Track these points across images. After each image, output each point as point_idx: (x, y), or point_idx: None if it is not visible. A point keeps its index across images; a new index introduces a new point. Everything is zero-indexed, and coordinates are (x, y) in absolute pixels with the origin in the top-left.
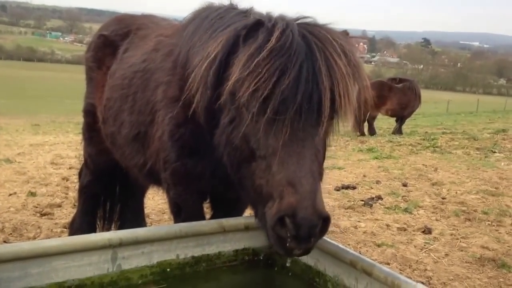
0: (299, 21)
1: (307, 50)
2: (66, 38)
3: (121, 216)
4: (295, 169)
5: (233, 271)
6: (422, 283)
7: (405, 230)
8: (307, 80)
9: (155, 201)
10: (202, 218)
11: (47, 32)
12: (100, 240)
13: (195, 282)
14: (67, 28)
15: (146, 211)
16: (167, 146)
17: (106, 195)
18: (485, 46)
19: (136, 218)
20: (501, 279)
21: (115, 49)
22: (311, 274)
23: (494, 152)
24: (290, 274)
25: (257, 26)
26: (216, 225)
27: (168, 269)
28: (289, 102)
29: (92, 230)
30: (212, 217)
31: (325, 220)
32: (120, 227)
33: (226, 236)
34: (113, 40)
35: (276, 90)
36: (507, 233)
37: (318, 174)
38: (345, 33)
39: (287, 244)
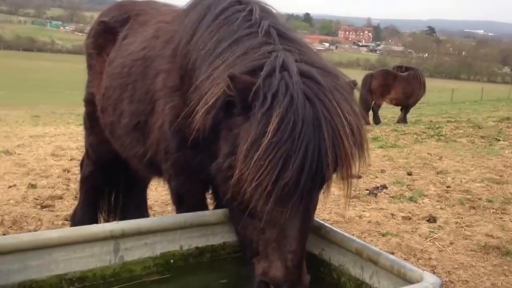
0: (305, 72)
1: (315, 124)
2: (66, 28)
3: (123, 207)
4: (287, 243)
5: (238, 262)
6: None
7: (409, 219)
8: (311, 163)
9: (158, 192)
10: (205, 208)
11: (47, 21)
12: (102, 231)
13: (199, 273)
14: (68, 17)
15: (149, 202)
16: (167, 137)
17: (108, 186)
18: (489, 34)
19: (139, 209)
20: (505, 267)
21: (115, 35)
22: (315, 264)
23: (499, 140)
24: None
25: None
26: (222, 215)
27: (171, 260)
28: (292, 191)
29: (94, 222)
30: (216, 207)
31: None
32: (123, 218)
33: (231, 226)
34: (113, 27)
35: (279, 183)
36: (511, 221)
37: (308, 233)
38: (354, 83)
39: None
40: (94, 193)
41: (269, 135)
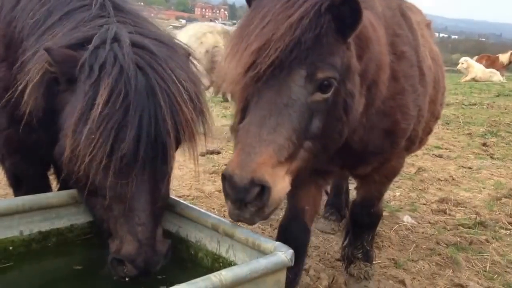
0: (137, 43)
1: (149, 92)
2: None
3: None
4: (135, 216)
5: (88, 245)
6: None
7: None
8: (148, 132)
9: (0, 173)
10: (47, 189)
11: None
12: None
13: (45, 259)
14: None
15: None
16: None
17: None
18: None
19: None
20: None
21: None
22: (173, 241)
23: None
24: None
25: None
26: (67, 197)
27: (10, 247)
28: (132, 162)
29: None
30: (61, 188)
31: (167, 251)
32: None
33: (79, 207)
34: None
35: (115, 155)
36: None
37: (161, 208)
38: (187, 53)
39: (126, 278)
40: None
41: (99, 107)
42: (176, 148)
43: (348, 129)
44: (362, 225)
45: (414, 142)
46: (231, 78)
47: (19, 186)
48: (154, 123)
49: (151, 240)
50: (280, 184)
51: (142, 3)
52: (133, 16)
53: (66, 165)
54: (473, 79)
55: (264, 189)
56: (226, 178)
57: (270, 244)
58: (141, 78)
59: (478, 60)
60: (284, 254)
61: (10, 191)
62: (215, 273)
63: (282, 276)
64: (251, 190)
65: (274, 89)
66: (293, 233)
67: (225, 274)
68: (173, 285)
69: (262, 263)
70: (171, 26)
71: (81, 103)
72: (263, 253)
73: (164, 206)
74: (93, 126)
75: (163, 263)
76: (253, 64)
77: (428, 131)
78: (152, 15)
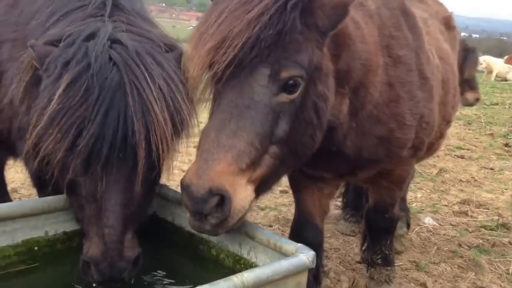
0: (117, 40)
1: (120, 89)
2: None
3: None
4: (103, 216)
5: None
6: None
7: (287, 192)
8: (114, 130)
9: (24, 174)
10: None
11: None
12: None
13: (69, 259)
14: None
15: (14, 185)
16: (20, 112)
17: None
18: None
19: None
20: None
21: None
22: (195, 242)
23: None
24: (174, 244)
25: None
26: None
27: (36, 248)
28: (95, 159)
29: None
30: None
31: (137, 259)
32: None
33: None
34: None
35: (75, 151)
36: None
37: (136, 212)
38: (178, 52)
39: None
40: None
41: (55, 103)
42: (157, 149)
43: (321, 133)
44: (377, 230)
45: (421, 149)
46: (190, 81)
47: (42, 186)
48: (123, 122)
49: (118, 244)
50: (242, 193)
51: (164, 4)
52: (131, 15)
53: (26, 159)
54: (497, 75)
55: (224, 199)
56: (183, 187)
57: (292, 246)
58: (115, 74)
59: (507, 61)
60: (305, 256)
61: (34, 191)
62: (237, 274)
63: (304, 278)
64: (209, 200)
65: (236, 90)
66: (305, 236)
67: (247, 276)
68: (195, 285)
69: (284, 264)
70: (191, 27)
71: (41, 99)
72: (284, 255)
73: (142, 211)
74: (48, 121)
75: (134, 271)
76: (211, 64)
77: (439, 136)
78: (174, 15)
